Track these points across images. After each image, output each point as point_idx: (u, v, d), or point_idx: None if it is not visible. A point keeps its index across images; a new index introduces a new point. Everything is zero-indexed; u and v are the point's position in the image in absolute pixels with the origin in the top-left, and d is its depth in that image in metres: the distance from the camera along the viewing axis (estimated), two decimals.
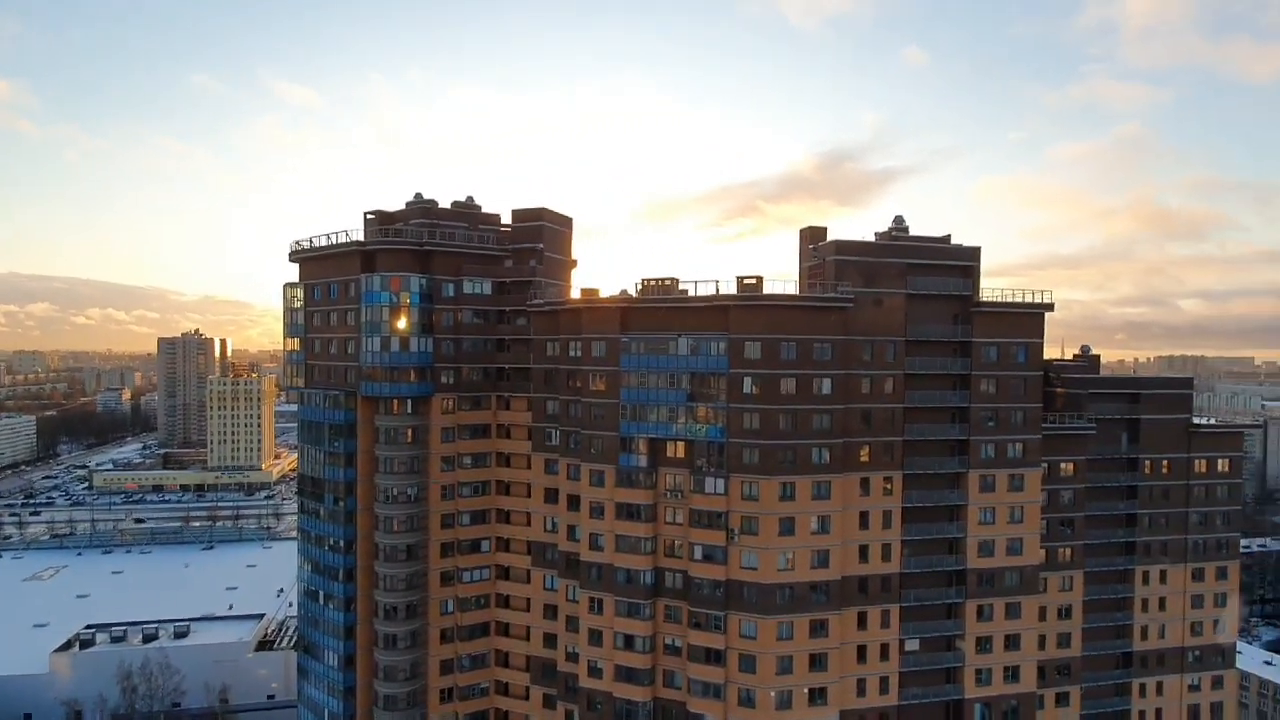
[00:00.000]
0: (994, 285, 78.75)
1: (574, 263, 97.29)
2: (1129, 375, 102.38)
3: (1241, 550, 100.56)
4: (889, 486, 75.46)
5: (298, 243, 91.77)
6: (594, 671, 76.13)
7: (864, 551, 74.43)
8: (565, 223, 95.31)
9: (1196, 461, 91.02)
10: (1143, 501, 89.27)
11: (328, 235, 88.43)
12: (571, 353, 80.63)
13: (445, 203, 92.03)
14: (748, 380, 71.57)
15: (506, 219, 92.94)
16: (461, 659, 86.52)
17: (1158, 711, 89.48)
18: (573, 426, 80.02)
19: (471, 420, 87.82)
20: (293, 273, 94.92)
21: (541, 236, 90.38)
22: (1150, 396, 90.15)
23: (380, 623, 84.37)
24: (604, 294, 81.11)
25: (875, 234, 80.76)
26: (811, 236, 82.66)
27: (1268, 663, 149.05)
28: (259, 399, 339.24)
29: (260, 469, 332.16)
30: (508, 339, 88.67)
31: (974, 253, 79.23)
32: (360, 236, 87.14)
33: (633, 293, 78.42)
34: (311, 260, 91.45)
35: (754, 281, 72.79)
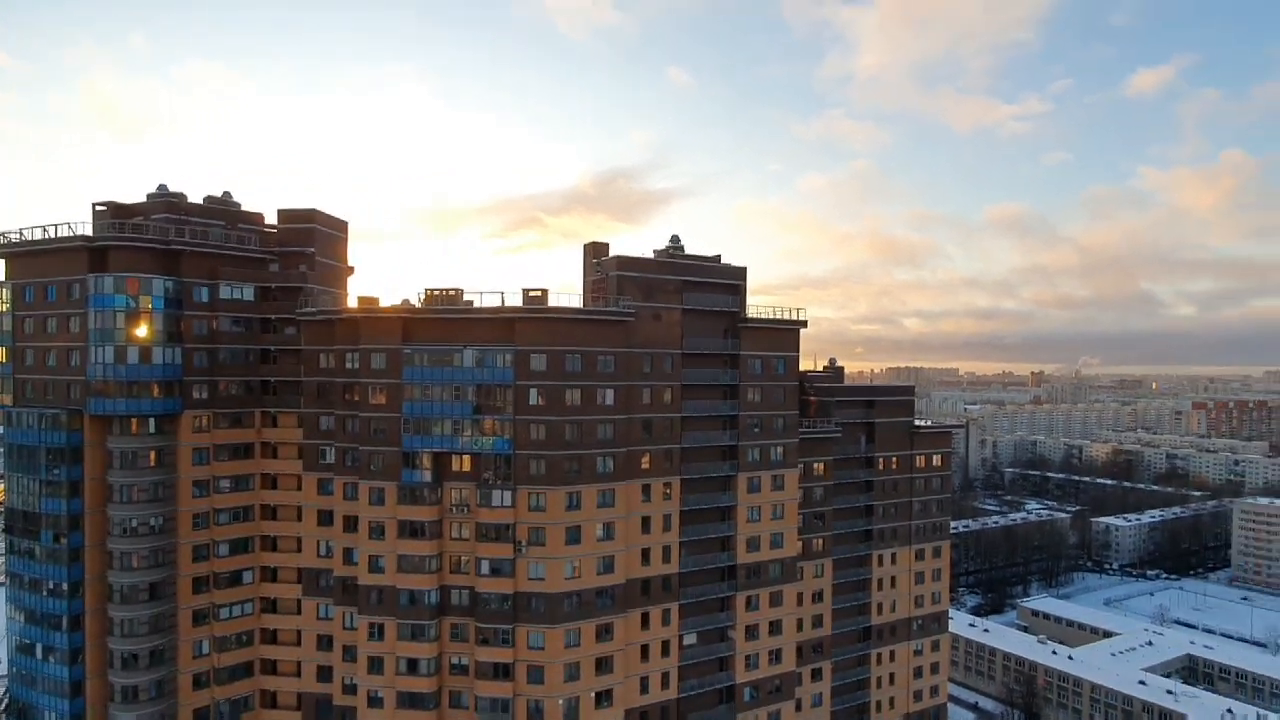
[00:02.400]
0: (757, 303, 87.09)
1: (350, 269, 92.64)
2: (866, 385, 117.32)
3: (951, 531, 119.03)
4: (668, 491, 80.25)
5: (4, 235, 78.50)
6: (374, 701, 72.68)
7: (646, 555, 78.47)
8: (340, 226, 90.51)
9: (917, 457, 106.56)
10: (877, 494, 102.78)
11: (44, 228, 76.72)
12: (348, 365, 76.77)
13: (196, 197, 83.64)
14: (534, 392, 72.71)
15: (272, 219, 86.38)
16: (219, 705, 78.39)
17: (891, 676, 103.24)
18: (350, 443, 76.12)
19: (231, 439, 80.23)
20: None
21: (313, 240, 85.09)
22: (882, 403, 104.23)
23: (117, 674, 74.07)
24: (384, 303, 78.21)
25: (654, 251, 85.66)
26: (595, 251, 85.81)
27: (971, 625, 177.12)
28: None
29: None
30: (274, 350, 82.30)
31: (741, 272, 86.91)
32: (89, 230, 76.58)
33: (415, 303, 76.61)
34: (23, 256, 78.58)
35: (539, 294, 74.26)
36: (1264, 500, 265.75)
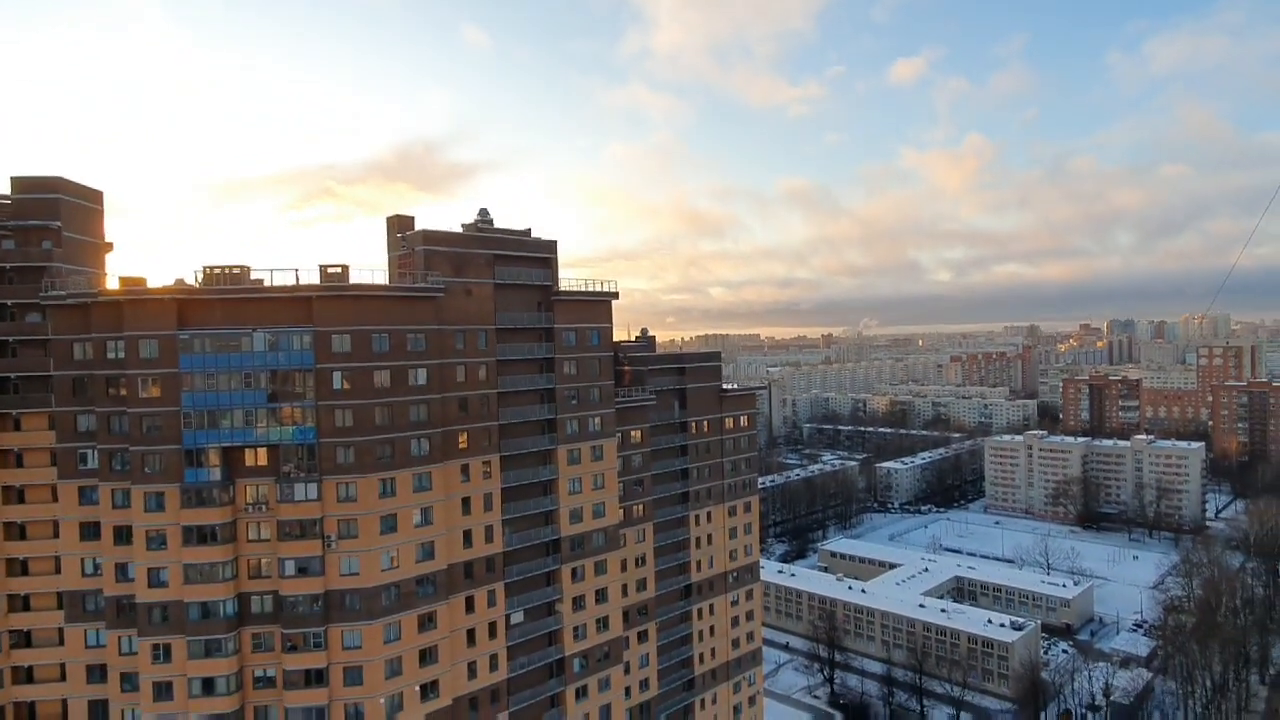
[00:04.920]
0: (570, 276, 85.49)
1: (109, 246, 79.82)
2: (677, 353, 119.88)
3: (759, 486, 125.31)
4: (488, 470, 77.01)
5: None
6: None
7: (468, 536, 74.96)
8: (93, 196, 77.47)
9: (727, 420, 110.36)
10: (692, 457, 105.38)
11: None
12: (111, 355, 66.12)
13: None
14: (338, 375, 66.54)
15: (5, 189, 72.32)
16: None
17: (711, 628, 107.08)
18: (118, 443, 65.79)
19: None
20: None
21: (58, 211, 72.26)
22: (693, 369, 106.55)
23: None
24: (154, 284, 67.96)
25: (462, 225, 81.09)
26: (399, 225, 79.73)
27: (780, 571, 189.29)
28: None
29: None
30: (13, 340, 69.29)
31: (552, 245, 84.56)
32: None
33: (194, 283, 67.25)
34: None
35: (340, 270, 67.84)
36: (1007, 437, 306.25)
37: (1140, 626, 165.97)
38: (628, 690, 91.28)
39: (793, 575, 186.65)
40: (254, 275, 68.01)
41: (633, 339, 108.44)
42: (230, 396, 65.32)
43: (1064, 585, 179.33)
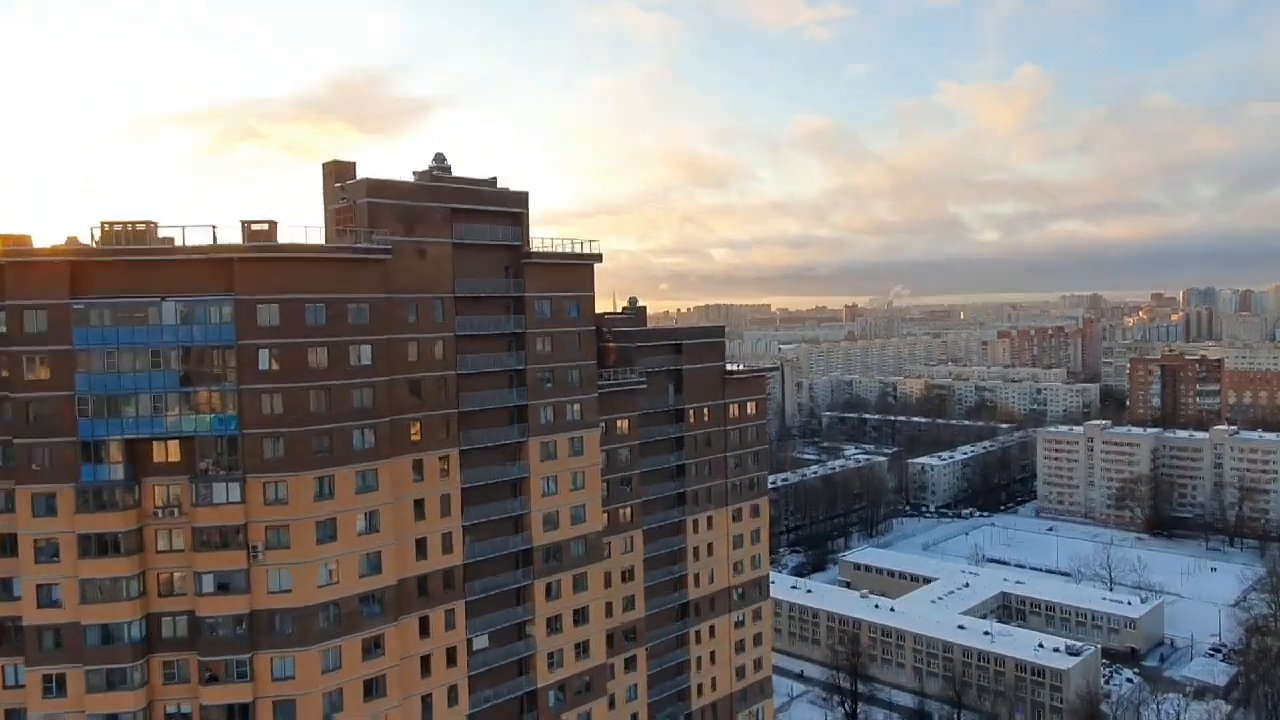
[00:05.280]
0: (544, 234, 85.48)
1: None
2: (673, 327, 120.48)
3: (769, 486, 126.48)
4: (445, 466, 77.44)
5: None
6: None
7: (422, 546, 75.52)
8: None
9: (731, 407, 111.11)
10: (689, 451, 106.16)
11: None
12: None
13: None
14: (264, 353, 66.66)
15: None
16: None
17: (711, 654, 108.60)
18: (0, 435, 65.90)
19: None
20: None
21: None
22: (691, 347, 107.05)
23: None
24: (40, 244, 67.64)
25: (414, 173, 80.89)
26: (337, 173, 79.22)
27: (794, 586, 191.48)
28: None
29: None
30: None
31: (523, 198, 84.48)
32: None
33: (89, 242, 67.03)
34: None
35: (266, 228, 67.94)
36: (1063, 428, 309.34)
37: (1218, 651, 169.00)
38: None
39: (809, 591, 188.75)
40: (162, 233, 68.09)
41: (619, 310, 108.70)
42: (135, 379, 65.42)
43: (1129, 603, 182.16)
